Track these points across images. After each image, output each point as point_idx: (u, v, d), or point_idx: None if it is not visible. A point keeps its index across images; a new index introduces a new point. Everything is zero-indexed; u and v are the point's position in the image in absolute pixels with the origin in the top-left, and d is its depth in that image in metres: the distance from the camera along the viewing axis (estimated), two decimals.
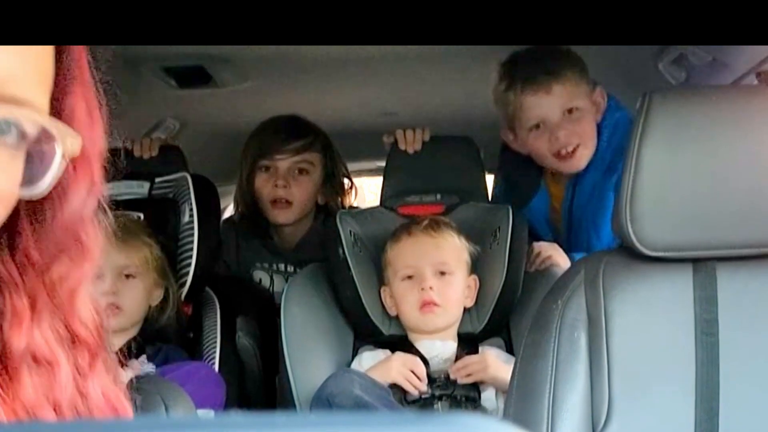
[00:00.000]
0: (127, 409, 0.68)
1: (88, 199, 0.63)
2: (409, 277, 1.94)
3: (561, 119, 2.01)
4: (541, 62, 2.01)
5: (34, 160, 0.59)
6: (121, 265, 1.92)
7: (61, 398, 0.63)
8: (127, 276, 1.93)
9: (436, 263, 1.94)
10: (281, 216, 2.43)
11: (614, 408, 1.31)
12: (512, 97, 2.04)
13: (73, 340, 0.65)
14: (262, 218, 2.46)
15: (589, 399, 1.33)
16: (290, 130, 2.42)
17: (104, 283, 1.89)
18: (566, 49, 2.05)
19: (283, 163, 2.39)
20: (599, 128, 2.07)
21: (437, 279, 1.93)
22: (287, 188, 2.39)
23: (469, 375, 1.87)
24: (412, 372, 1.88)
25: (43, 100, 0.60)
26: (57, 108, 0.61)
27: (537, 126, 2.04)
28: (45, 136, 0.59)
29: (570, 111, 2.02)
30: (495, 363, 1.87)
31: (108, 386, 0.67)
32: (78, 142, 0.60)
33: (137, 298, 1.95)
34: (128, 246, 1.93)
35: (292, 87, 2.61)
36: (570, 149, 2.03)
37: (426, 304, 1.91)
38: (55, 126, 0.59)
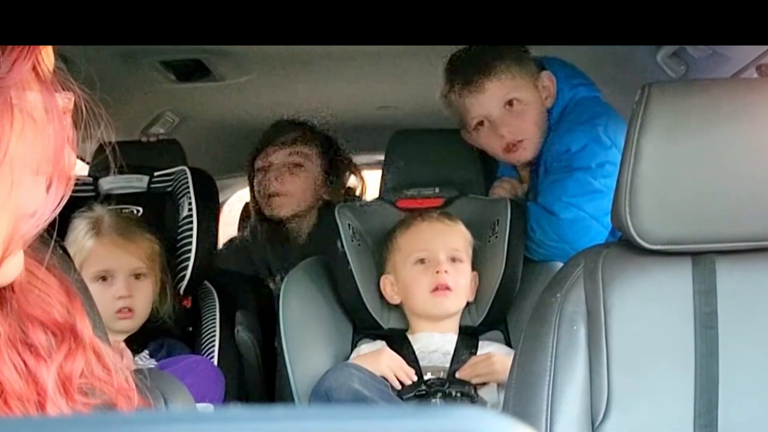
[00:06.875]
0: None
1: None
2: (422, 261, 1.93)
3: (502, 114, 2.02)
4: (475, 61, 2.01)
5: None
6: (133, 267, 1.92)
7: None
8: (138, 276, 1.93)
9: (450, 248, 1.93)
10: (277, 209, 2.43)
11: (613, 400, 1.31)
12: (453, 99, 2.06)
13: None
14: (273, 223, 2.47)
15: (588, 391, 1.32)
16: (283, 124, 2.42)
17: (117, 287, 1.89)
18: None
19: (277, 156, 2.39)
20: (549, 111, 2.05)
21: (450, 264, 1.92)
22: (281, 183, 2.39)
23: (479, 375, 1.86)
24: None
25: None
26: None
27: (481, 123, 2.05)
28: None
29: (510, 103, 2.01)
30: (504, 364, 1.82)
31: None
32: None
33: (149, 298, 1.95)
34: (135, 244, 1.93)
35: (291, 80, 2.61)
36: (515, 141, 2.03)
37: (439, 288, 1.90)
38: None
